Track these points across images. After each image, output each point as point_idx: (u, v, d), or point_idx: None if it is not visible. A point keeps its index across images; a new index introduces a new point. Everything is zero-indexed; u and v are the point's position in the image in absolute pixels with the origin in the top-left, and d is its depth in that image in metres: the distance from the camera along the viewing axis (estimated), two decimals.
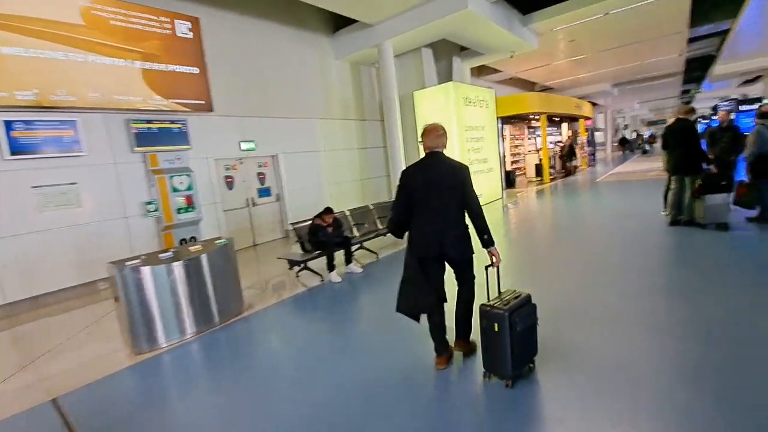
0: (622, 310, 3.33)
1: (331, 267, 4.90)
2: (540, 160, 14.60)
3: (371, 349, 3.23)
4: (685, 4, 9.69)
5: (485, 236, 2.49)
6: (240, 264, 4.40)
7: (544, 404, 2.26)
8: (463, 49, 11.31)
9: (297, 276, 5.28)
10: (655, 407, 2.09)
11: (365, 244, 6.05)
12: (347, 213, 6.18)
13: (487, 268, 2.49)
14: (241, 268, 4.38)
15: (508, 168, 16.98)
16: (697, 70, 21.78)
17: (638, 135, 38.77)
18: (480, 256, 2.63)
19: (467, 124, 9.48)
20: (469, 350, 2.77)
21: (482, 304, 2.42)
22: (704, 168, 5.57)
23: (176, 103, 6.51)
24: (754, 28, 12.76)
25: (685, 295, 3.53)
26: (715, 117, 34.60)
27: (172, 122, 6.54)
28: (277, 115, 8.35)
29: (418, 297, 2.57)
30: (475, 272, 2.71)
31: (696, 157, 5.50)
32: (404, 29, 8.24)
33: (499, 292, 2.52)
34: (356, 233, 6.13)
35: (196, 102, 6.76)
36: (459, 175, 2.51)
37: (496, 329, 2.32)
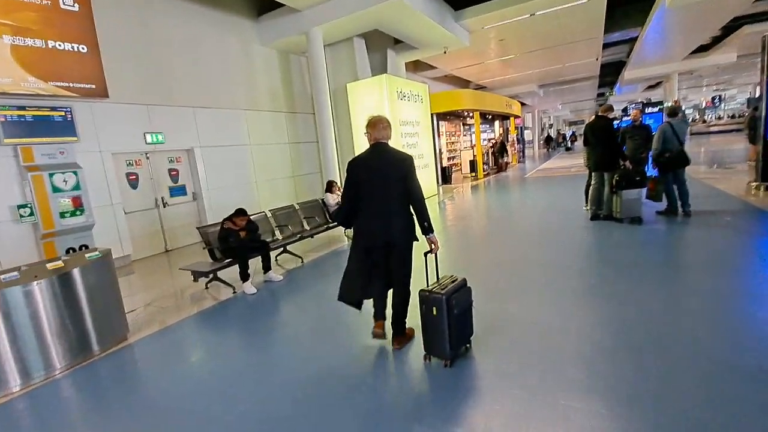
0: (545, 295, 3.56)
1: (244, 276, 4.33)
2: (474, 156, 14.93)
3: (295, 358, 2.88)
4: (601, 10, 10.29)
5: (425, 223, 2.58)
6: (145, 274, 3.71)
7: (481, 379, 2.40)
8: (397, 42, 11.07)
9: (206, 288, 4.64)
10: (575, 377, 2.30)
11: (290, 247, 5.54)
12: (268, 214, 5.60)
13: (426, 254, 2.59)
14: (144, 280, 3.70)
15: (445, 164, 17.23)
16: (610, 75, 23.86)
17: (560, 134, 41.88)
18: (419, 246, 2.70)
19: (402, 119, 9.27)
20: (404, 342, 2.82)
21: (421, 290, 2.49)
22: (620, 164, 5.82)
23: (58, 86, 5.44)
24: (658, 37, 14.06)
25: (604, 289, 3.61)
26: (626, 117, 38.60)
27: (53, 109, 5.47)
28: (193, 105, 7.46)
29: (362, 286, 2.68)
30: (413, 269, 2.79)
31: (614, 154, 5.72)
32: (334, 16, 7.76)
33: (438, 278, 2.61)
34: (279, 236, 5.57)
35: (85, 86, 5.72)
36: (403, 165, 2.59)
37: (435, 312, 2.41)
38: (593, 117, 6.20)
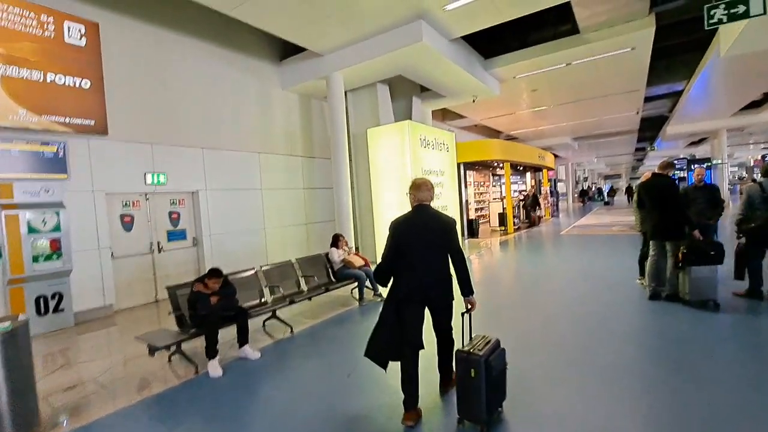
0: (585, 388, 2.93)
1: (211, 353, 3.46)
2: (504, 208, 13.95)
3: None
4: (644, 61, 9.57)
5: (466, 286, 2.63)
6: (123, 329, 2.97)
7: None
8: (424, 90, 10.71)
9: (169, 361, 3.80)
10: None
11: (282, 312, 4.68)
12: (259, 271, 4.83)
13: (463, 314, 2.66)
14: (116, 337, 2.91)
15: (472, 216, 16.29)
16: (650, 129, 22.74)
17: (597, 188, 40.26)
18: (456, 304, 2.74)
19: (425, 168, 8.58)
20: (450, 388, 2.82)
21: (458, 350, 2.48)
22: (687, 233, 4.72)
23: (53, 121, 5.13)
24: (705, 92, 13.10)
25: (666, 392, 2.57)
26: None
27: (44, 144, 5.12)
28: (202, 145, 7.09)
29: (391, 343, 2.60)
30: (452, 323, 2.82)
31: (679, 220, 4.66)
32: (355, 61, 7.41)
33: (470, 338, 2.60)
34: (269, 298, 4.75)
35: (84, 122, 5.40)
36: (445, 227, 2.65)
37: (473, 374, 2.35)
38: (649, 174, 5.23)
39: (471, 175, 17.15)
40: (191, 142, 6.96)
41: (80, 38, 5.38)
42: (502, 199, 14.62)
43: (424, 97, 10.79)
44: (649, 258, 4.99)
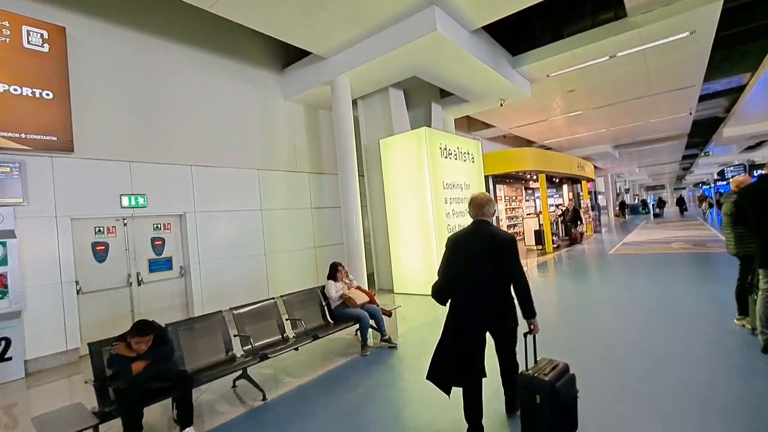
0: None
1: None
2: (540, 225, 12.46)
3: None
4: (705, 48, 8.10)
5: (527, 309, 2.45)
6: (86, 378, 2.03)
7: None
8: (444, 95, 9.66)
9: None
10: None
11: (253, 369, 3.60)
12: (229, 314, 3.78)
13: (525, 335, 2.48)
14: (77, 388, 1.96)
15: None
16: (699, 134, 20.53)
17: (642, 200, 37.38)
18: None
19: (446, 180, 7.44)
20: (515, 411, 2.60)
21: (521, 373, 2.37)
22: None
23: (4, 137, 4.43)
24: None
25: None
26: (721, 183, 33.42)
27: None
28: (191, 163, 6.30)
29: (452, 368, 2.45)
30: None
31: None
32: (361, 60, 6.48)
33: (536, 361, 2.45)
34: (240, 352, 3.68)
35: (44, 138, 4.69)
36: (502, 245, 2.45)
37: (538, 400, 2.20)
38: (746, 179, 3.87)
39: (501, 189, 15.79)
40: (178, 159, 6.18)
41: (42, 44, 4.73)
42: (537, 215, 13.12)
43: (444, 103, 9.72)
44: (760, 294, 3.56)
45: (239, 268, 6.79)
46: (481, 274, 2.45)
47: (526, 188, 18.13)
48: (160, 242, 6.09)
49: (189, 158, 6.31)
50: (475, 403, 2.43)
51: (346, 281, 4.60)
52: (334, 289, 4.44)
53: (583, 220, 15.37)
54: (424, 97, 9.18)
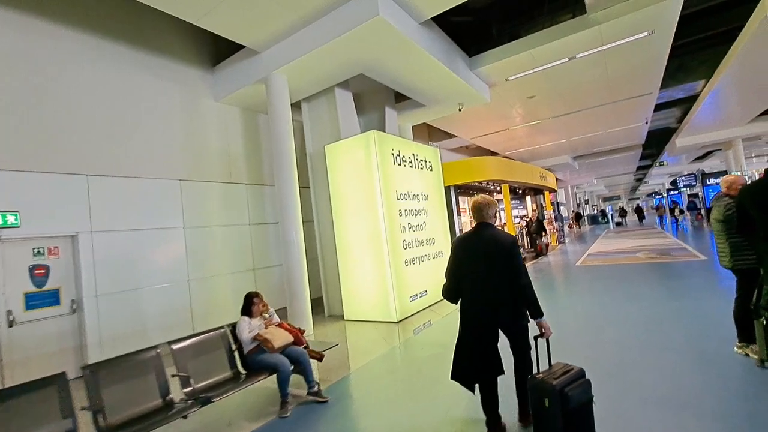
0: None
1: None
2: None
3: None
4: (664, 50, 7.89)
5: (532, 308, 2.49)
6: None
7: None
8: (400, 99, 8.97)
9: None
10: None
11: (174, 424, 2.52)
12: (84, 373, 2.69)
13: (536, 338, 2.48)
14: None
15: None
16: (652, 145, 21.17)
17: (600, 210, 38.49)
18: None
19: (401, 190, 6.63)
20: (530, 420, 2.49)
21: (531, 376, 2.36)
22: None
23: None
24: (730, 92, 11.42)
25: None
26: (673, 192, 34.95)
27: None
28: (85, 171, 5.15)
29: (471, 367, 2.56)
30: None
31: None
32: (298, 53, 5.63)
33: (550, 365, 2.40)
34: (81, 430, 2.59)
35: None
36: (503, 246, 2.51)
37: (547, 404, 2.19)
38: (738, 179, 3.29)
39: (466, 201, 15.27)
40: (70, 168, 5.01)
41: None
42: (502, 227, 12.61)
43: (400, 108, 9.04)
44: (762, 315, 2.91)
45: (153, 299, 5.61)
46: (485, 274, 2.53)
47: None
48: (42, 271, 4.85)
49: (85, 166, 5.16)
50: (490, 395, 2.55)
51: (266, 316, 3.61)
52: (247, 329, 3.43)
53: (548, 231, 15.06)
54: (377, 101, 8.43)
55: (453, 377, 2.62)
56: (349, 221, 6.52)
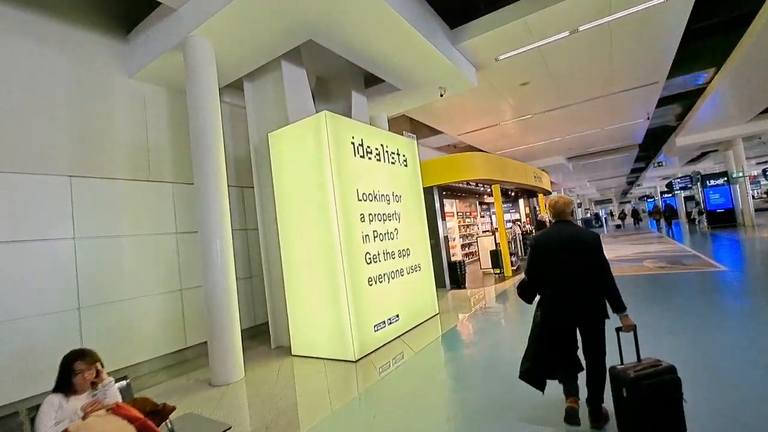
0: None
1: None
2: (497, 244, 10.56)
3: None
4: (681, 23, 6.65)
5: (616, 303, 2.51)
6: None
7: None
8: (371, 83, 7.59)
9: None
10: None
11: None
12: None
13: (618, 330, 2.50)
14: None
15: (457, 256, 12.85)
16: (650, 145, 20.12)
17: (594, 214, 37.64)
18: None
19: (365, 189, 5.22)
20: (599, 420, 2.53)
21: (612, 367, 2.40)
22: None
23: None
24: (734, 89, 10.27)
25: None
26: (667, 195, 34.00)
27: None
28: None
29: (548, 365, 2.62)
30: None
31: None
32: (220, 3, 4.21)
33: (638, 359, 2.38)
34: None
35: None
36: (589, 242, 2.56)
37: (624, 394, 2.25)
38: None
39: (454, 204, 13.93)
40: None
41: None
42: (493, 232, 11.26)
43: (372, 94, 7.65)
44: None
45: (16, 336, 4.09)
46: (571, 271, 2.54)
47: (480, 203, 16.46)
48: None
49: None
50: (572, 385, 2.64)
51: (96, 393, 2.15)
52: (52, 418, 1.97)
53: None
54: (344, 87, 7.05)
55: (522, 377, 2.70)
56: (297, 229, 5.08)
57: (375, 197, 5.41)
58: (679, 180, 26.51)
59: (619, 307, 2.49)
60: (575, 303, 2.53)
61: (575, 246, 2.56)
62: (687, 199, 26.45)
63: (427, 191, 8.85)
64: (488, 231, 13.00)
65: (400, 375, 4.14)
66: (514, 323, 5.94)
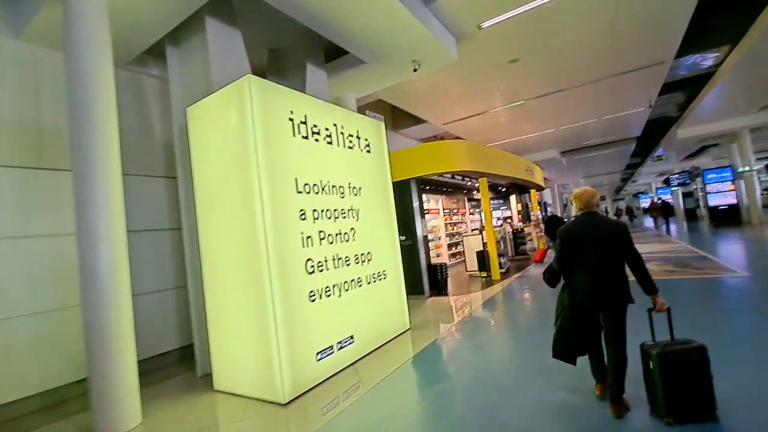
0: None
1: None
2: (485, 244, 9.52)
3: None
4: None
5: (648, 286, 2.64)
6: None
7: None
8: (334, 56, 6.48)
9: None
10: None
11: None
12: None
13: (649, 311, 2.67)
14: None
15: (443, 257, 11.80)
16: (648, 138, 19.15)
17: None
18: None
19: (308, 179, 4.12)
20: (620, 411, 2.64)
21: (642, 343, 2.62)
22: None
23: None
24: (745, 75, 9.26)
25: None
26: (657, 198, 33.23)
27: None
28: None
29: (578, 342, 2.85)
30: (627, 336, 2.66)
31: None
32: None
33: (672, 338, 2.58)
34: None
35: None
36: (618, 231, 2.70)
37: (652, 367, 2.47)
38: None
39: (439, 200, 12.87)
40: None
41: None
42: (480, 231, 10.21)
43: (333, 69, 6.53)
44: None
45: None
46: (600, 258, 2.67)
47: (470, 199, 15.41)
48: None
49: None
50: (598, 364, 2.86)
51: None
52: None
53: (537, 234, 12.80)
54: (300, 59, 5.93)
55: (555, 356, 2.93)
56: (219, 229, 3.97)
57: (323, 189, 4.31)
58: (677, 176, 25.66)
59: (651, 289, 2.63)
60: (602, 287, 2.66)
61: (605, 233, 2.70)
62: (685, 195, 25.57)
63: (404, 184, 7.78)
64: (476, 230, 11.97)
65: (347, 422, 3.07)
66: (503, 337, 4.89)
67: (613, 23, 6.44)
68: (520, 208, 16.77)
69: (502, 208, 17.29)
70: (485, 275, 9.33)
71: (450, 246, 13.11)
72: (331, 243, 4.29)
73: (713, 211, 17.16)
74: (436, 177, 9.51)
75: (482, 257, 9.35)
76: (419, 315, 6.50)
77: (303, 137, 4.16)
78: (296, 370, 3.60)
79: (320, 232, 4.16)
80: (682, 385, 2.36)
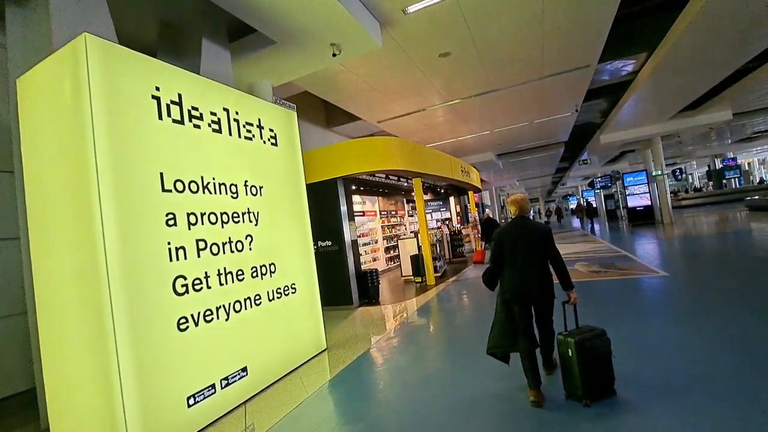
0: None
1: None
2: (419, 248, 9.08)
3: None
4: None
5: (566, 282, 3.03)
6: None
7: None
8: (239, 35, 5.61)
9: None
10: None
11: None
12: None
13: (564, 303, 3.06)
14: None
15: (380, 262, 11.25)
16: (575, 143, 20.22)
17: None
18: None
19: (179, 175, 3.27)
20: (553, 369, 3.28)
21: (559, 333, 2.93)
22: None
23: None
24: (679, 67, 9.71)
25: None
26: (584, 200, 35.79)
27: None
28: None
29: (506, 335, 3.06)
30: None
31: None
32: None
33: (577, 326, 2.99)
34: None
35: None
36: (543, 234, 3.04)
37: (570, 354, 2.75)
38: None
39: (376, 202, 12.31)
40: None
41: None
42: (415, 235, 9.78)
43: (239, 50, 5.66)
44: None
45: None
46: (529, 258, 2.98)
47: (408, 200, 15.06)
48: None
49: None
50: (531, 361, 2.91)
51: None
52: None
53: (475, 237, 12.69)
54: (197, 34, 4.99)
55: (489, 352, 3.14)
56: (54, 239, 2.98)
57: (205, 188, 3.47)
58: (600, 179, 27.57)
59: (568, 285, 3.02)
60: (531, 282, 2.95)
61: (532, 236, 3.02)
62: (606, 197, 27.53)
63: (329, 184, 7.07)
64: (413, 232, 11.58)
65: None
66: (438, 351, 4.35)
67: (542, 17, 6.25)
68: (459, 210, 16.77)
69: (441, 209, 17.19)
70: (420, 280, 8.89)
71: (387, 249, 12.61)
72: (216, 254, 3.46)
73: (631, 211, 18.41)
74: (368, 177, 8.92)
75: (416, 262, 8.90)
76: (343, 329, 5.81)
77: (175, 121, 3.29)
78: (152, 423, 2.74)
79: (199, 241, 3.31)
80: (595, 368, 2.71)
